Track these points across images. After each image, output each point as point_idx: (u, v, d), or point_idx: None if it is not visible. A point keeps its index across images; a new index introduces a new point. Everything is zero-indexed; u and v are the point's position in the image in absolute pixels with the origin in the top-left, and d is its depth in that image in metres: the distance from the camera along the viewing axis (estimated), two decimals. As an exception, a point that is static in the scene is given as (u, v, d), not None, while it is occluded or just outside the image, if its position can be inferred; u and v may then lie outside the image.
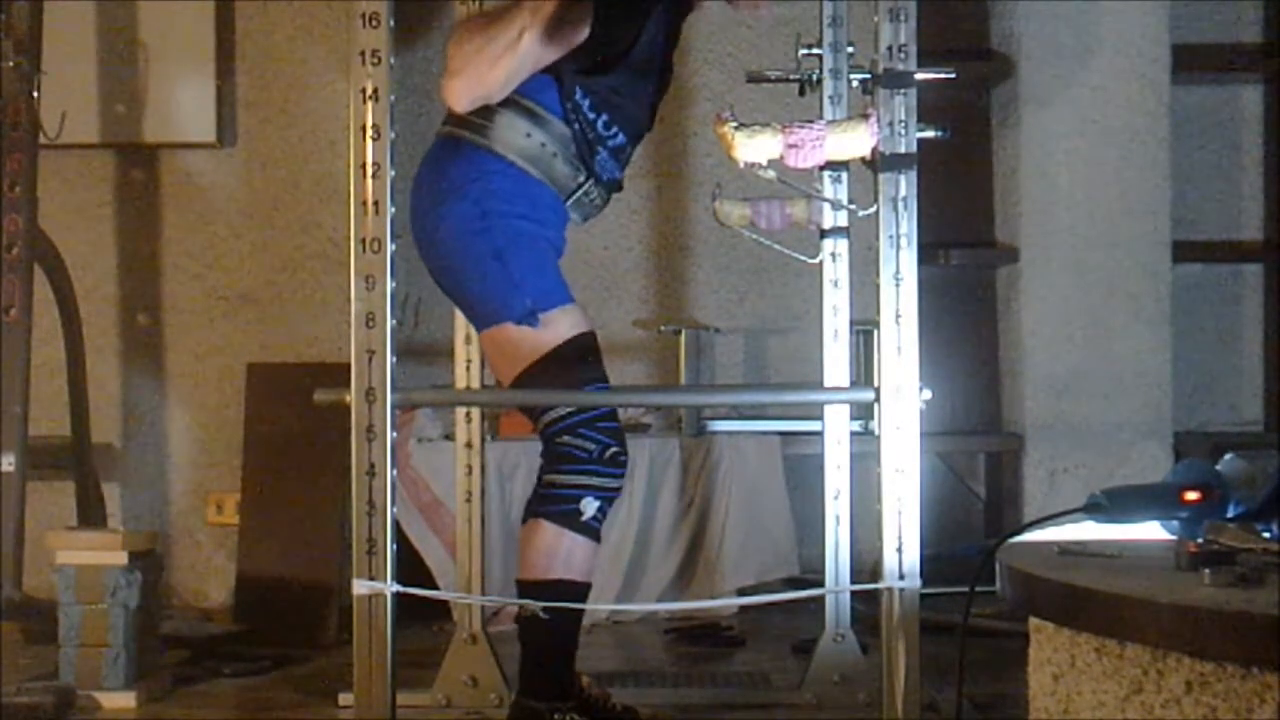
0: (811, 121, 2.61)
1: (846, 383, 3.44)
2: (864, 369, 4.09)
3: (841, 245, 3.39)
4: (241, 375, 4.70)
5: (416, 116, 4.69)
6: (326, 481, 4.24)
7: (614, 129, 3.00)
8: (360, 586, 2.42)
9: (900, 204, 2.43)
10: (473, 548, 3.43)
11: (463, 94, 2.85)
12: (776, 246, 3.45)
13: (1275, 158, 5.16)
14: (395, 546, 2.43)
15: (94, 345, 4.64)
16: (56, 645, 3.37)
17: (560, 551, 2.89)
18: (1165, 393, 4.74)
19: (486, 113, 2.91)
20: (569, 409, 2.87)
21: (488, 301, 2.93)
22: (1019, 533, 2.35)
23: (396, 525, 2.44)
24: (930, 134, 2.48)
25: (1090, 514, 2.20)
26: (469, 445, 3.44)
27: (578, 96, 2.94)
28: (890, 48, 2.44)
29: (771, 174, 2.74)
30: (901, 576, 2.42)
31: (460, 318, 3.31)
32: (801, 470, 4.55)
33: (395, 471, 2.44)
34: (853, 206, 3.04)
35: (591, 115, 2.96)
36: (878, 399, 2.44)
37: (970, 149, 4.91)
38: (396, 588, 2.42)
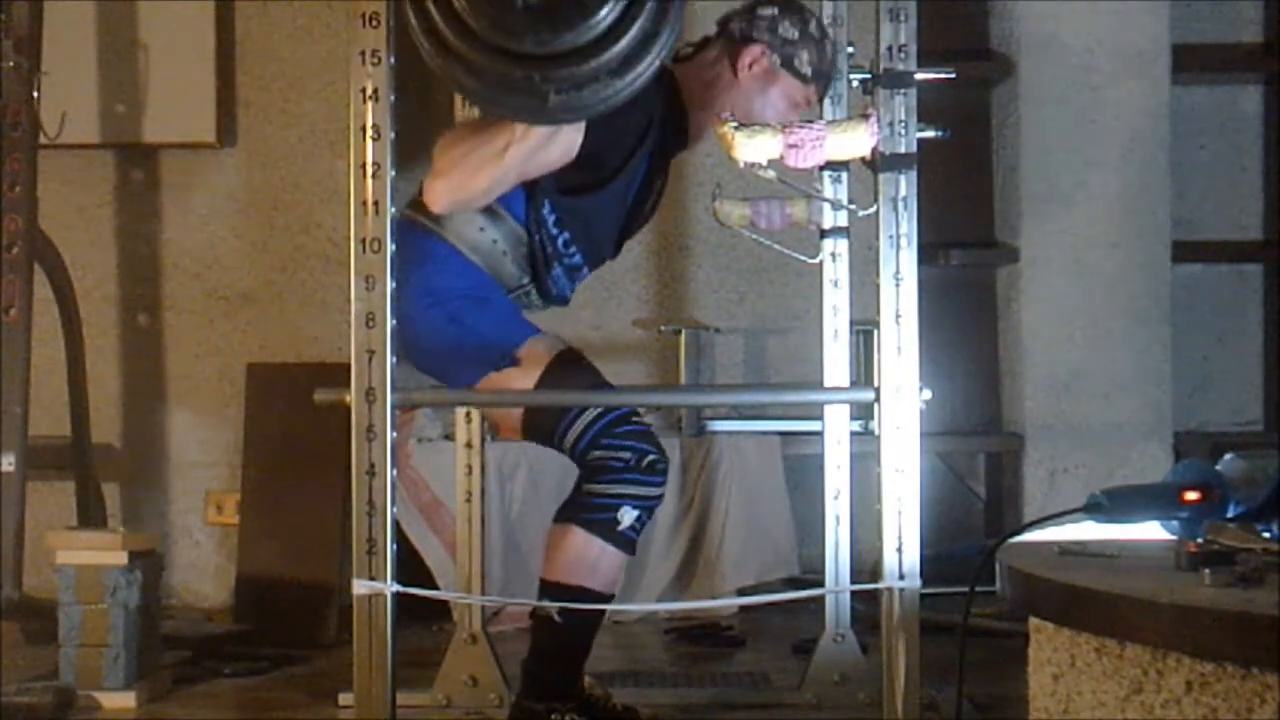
0: (811, 121, 2.61)
1: (846, 383, 3.44)
2: (864, 369, 4.09)
3: (841, 245, 3.39)
4: (241, 375, 4.70)
5: (416, 117, 4.68)
6: (326, 481, 4.24)
7: (574, 249, 3.00)
8: (360, 586, 2.42)
9: (900, 204, 2.43)
10: (473, 548, 3.43)
11: (443, 197, 2.84)
12: (776, 246, 3.45)
13: (1275, 158, 5.16)
14: (395, 546, 2.43)
15: (94, 345, 4.64)
16: (56, 645, 3.37)
17: (588, 559, 2.87)
18: (1165, 393, 4.74)
19: None
20: (585, 423, 2.86)
21: (461, 363, 2.93)
22: (1019, 533, 2.35)
23: (396, 525, 2.44)
24: (930, 134, 2.48)
25: (1090, 514, 2.20)
26: (469, 445, 3.44)
27: (545, 210, 2.94)
28: (890, 48, 2.44)
29: (771, 174, 2.74)
30: (901, 576, 2.42)
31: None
32: (801, 470, 4.55)
33: (395, 471, 2.44)
34: (853, 206, 3.04)
35: (554, 231, 2.96)
36: (878, 399, 2.44)
37: (970, 149, 4.91)
38: (396, 588, 2.42)
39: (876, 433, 2.45)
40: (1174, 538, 2.21)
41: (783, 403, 4.56)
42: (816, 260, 3.41)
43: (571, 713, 2.94)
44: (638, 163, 3.00)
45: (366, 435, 2.42)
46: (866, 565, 3.55)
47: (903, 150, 2.44)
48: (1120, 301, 4.73)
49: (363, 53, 2.42)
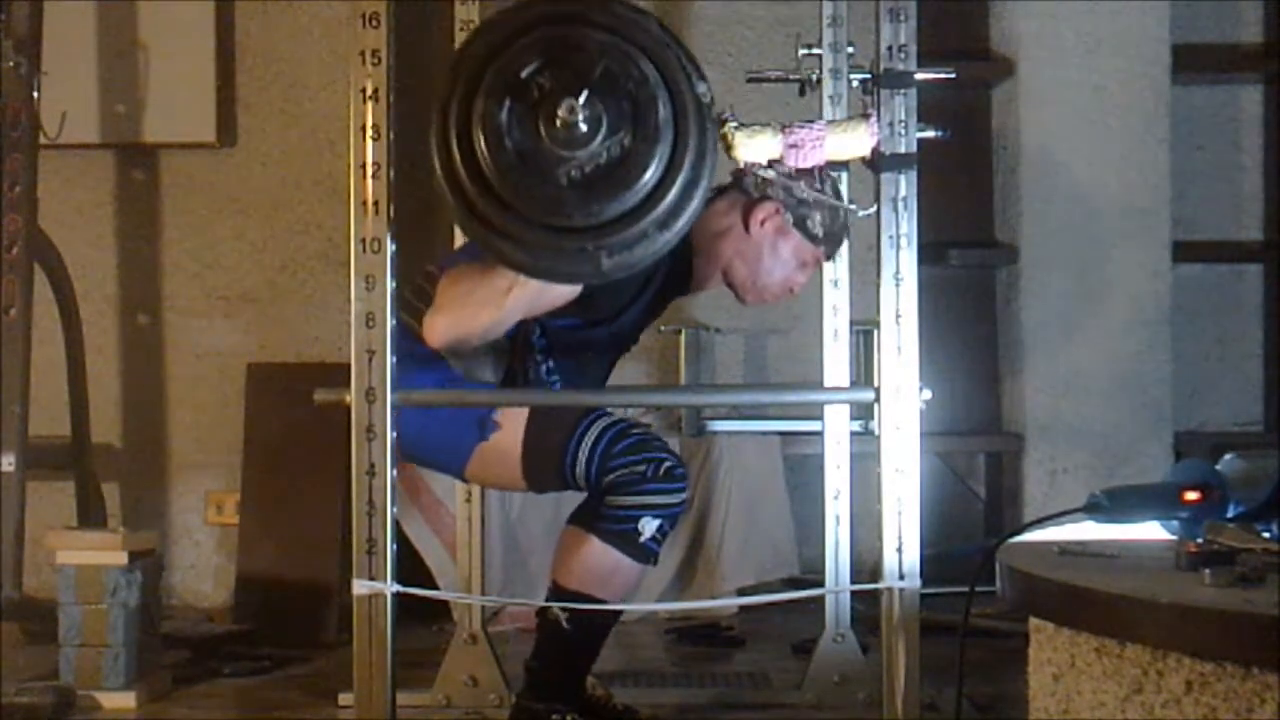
0: (811, 121, 2.61)
1: (846, 383, 3.44)
2: (864, 369, 4.09)
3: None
4: (241, 375, 4.70)
5: (417, 117, 4.68)
6: (326, 481, 4.24)
7: (554, 378, 2.97)
8: (360, 586, 2.41)
9: (900, 204, 2.43)
10: (473, 548, 3.43)
11: (442, 333, 2.79)
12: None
13: (1275, 158, 5.15)
14: (395, 546, 2.43)
15: (94, 345, 4.64)
16: (56, 645, 3.37)
17: (602, 570, 2.85)
18: (1165, 393, 4.74)
19: (429, 300, 2.87)
20: (586, 451, 2.83)
21: (449, 447, 2.92)
22: (1019, 533, 2.35)
23: (396, 525, 2.44)
24: (930, 134, 2.48)
25: (1090, 514, 2.20)
26: (469, 445, 3.43)
27: (534, 336, 2.92)
28: (890, 48, 2.44)
29: (771, 174, 2.74)
30: (901, 576, 2.42)
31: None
32: (801, 470, 4.55)
33: (395, 471, 2.44)
34: (853, 206, 3.04)
35: (540, 357, 2.93)
36: (878, 399, 2.44)
37: (970, 149, 4.91)
38: (396, 588, 2.42)
39: (876, 433, 2.45)
40: (1174, 538, 2.21)
41: (783, 403, 4.55)
42: (816, 260, 3.41)
43: (573, 714, 2.94)
44: (640, 306, 2.99)
45: (366, 435, 2.42)
46: (866, 565, 3.55)
47: (903, 150, 2.43)
48: (1120, 301, 4.73)
49: (363, 53, 2.42)
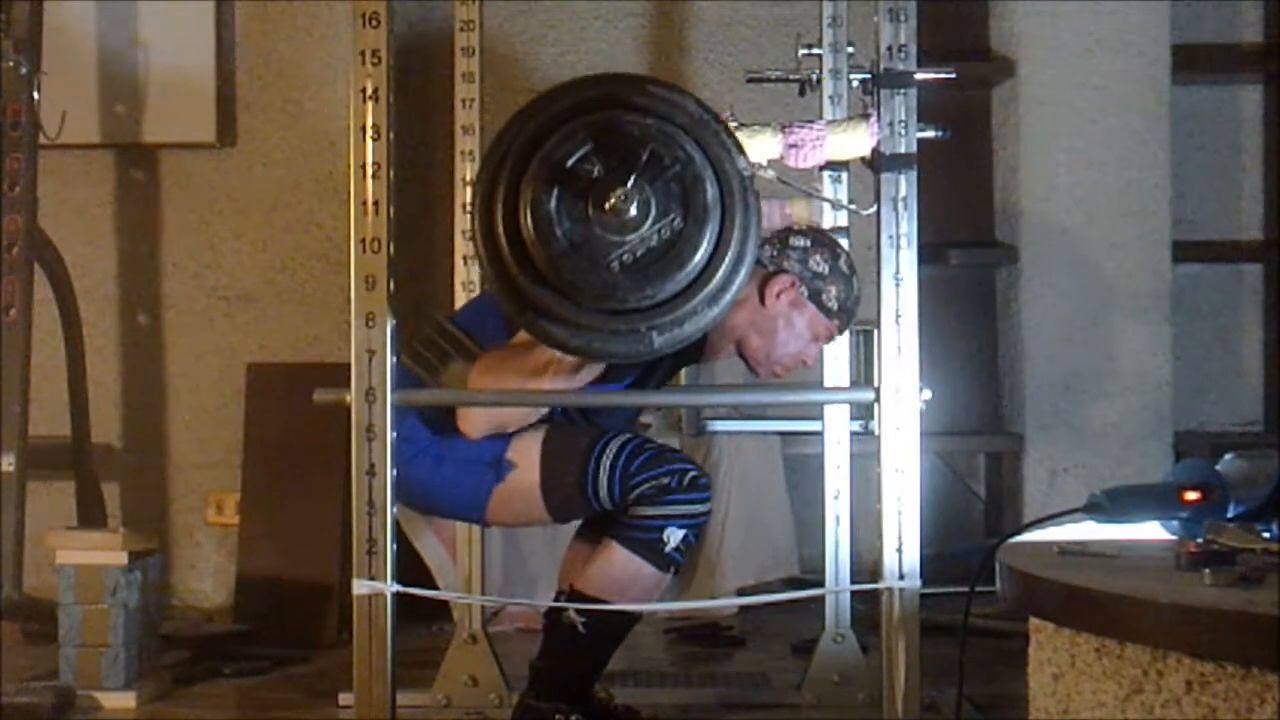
0: (811, 121, 2.61)
1: (846, 383, 3.44)
2: (864, 369, 4.09)
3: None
4: (241, 375, 4.70)
5: (416, 117, 4.69)
6: (326, 481, 4.24)
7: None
8: (360, 586, 2.41)
9: (900, 204, 2.43)
10: (473, 548, 3.43)
11: (480, 425, 2.83)
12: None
13: (1275, 158, 5.15)
14: (395, 546, 2.43)
15: (94, 345, 4.64)
16: (56, 645, 3.38)
17: (624, 578, 2.85)
18: (1165, 393, 4.74)
19: (443, 355, 2.90)
20: (606, 473, 2.84)
21: (463, 495, 2.91)
22: (1019, 533, 2.35)
23: (396, 525, 2.44)
24: (930, 134, 2.48)
25: (1090, 514, 2.20)
26: (469, 445, 3.43)
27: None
28: (890, 48, 2.44)
29: (771, 174, 2.74)
30: (901, 576, 2.42)
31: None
32: (801, 470, 4.54)
33: (395, 471, 2.44)
34: (853, 206, 3.04)
35: (557, 414, 2.94)
36: (878, 399, 2.44)
37: (970, 149, 4.91)
38: (396, 588, 2.42)
39: (876, 433, 2.45)
40: (1174, 538, 2.21)
41: (783, 403, 4.54)
42: (816, 260, 3.41)
43: (576, 714, 2.93)
44: (657, 379, 3.01)
45: (366, 435, 2.42)
46: (866, 565, 3.54)
47: (903, 150, 2.43)
48: (1120, 301, 4.73)
49: (363, 53, 2.42)
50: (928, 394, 2.44)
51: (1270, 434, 5.05)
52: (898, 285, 2.43)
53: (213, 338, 4.91)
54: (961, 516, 4.96)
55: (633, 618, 2.92)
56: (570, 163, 2.29)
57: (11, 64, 4.09)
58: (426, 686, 3.35)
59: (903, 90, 2.43)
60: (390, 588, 2.41)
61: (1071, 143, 4.73)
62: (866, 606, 3.47)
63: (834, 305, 3.01)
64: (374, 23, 2.42)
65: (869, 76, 2.52)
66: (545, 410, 2.86)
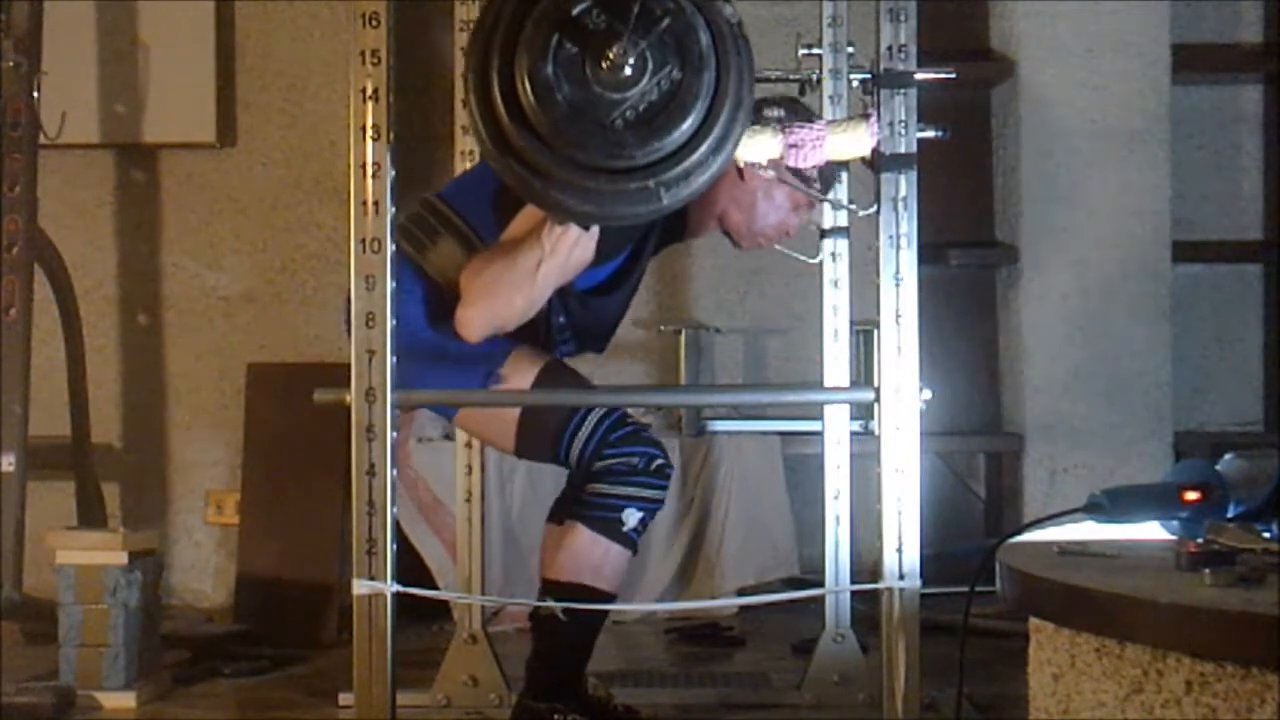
0: (811, 121, 2.61)
1: (846, 383, 3.44)
2: (864, 369, 4.09)
3: (841, 245, 3.39)
4: (241, 375, 4.70)
5: (416, 117, 4.69)
6: (326, 481, 4.24)
7: (567, 335, 2.98)
8: (360, 586, 2.41)
9: (900, 204, 2.43)
10: (473, 548, 3.43)
11: (479, 327, 2.81)
12: (776, 246, 3.44)
13: (1275, 158, 5.15)
14: (395, 546, 2.43)
15: (94, 345, 4.64)
16: (56, 645, 3.37)
17: (593, 558, 2.88)
18: (1165, 393, 4.74)
19: (431, 232, 2.90)
20: (586, 434, 2.86)
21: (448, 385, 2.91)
22: (1019, 533, 2.35)
23: (396, 525, 2.44)
24: (930, 134, 2.48)
25: (1090, 514, 2.20)
26: (469, 445, 3.44)
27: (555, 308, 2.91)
28: (890, 48, 2.44)
29: (771, 174, 2.74)
30: (901, 576, 2.42)
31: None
32: (801, 470, 4.54)
33: (395, 471, 2.44)
34: (853, 206, 3.04)
35: (552, 312, 2.92)
36: (878, 399, 2.44)
37: (970, 149, 4.91)
38: (396, 588, 2.42)
39: (876, 433, 2.45)
40: (1174, 538, 2.21)
41: (783, 403, 4.56)
42: (816, 260, 3.41)
43: (574, 714, 2.94)
44: (646, 256, 3.00)
45: (366, 435, 2.42)
46: (866, 565, 3.54)
47: (903, 150, 2.43)
48: (1120, 301, 4.73)
49: (363, 53, 2.42)
50: (928, 394, 2.44)
51: (1270, 434, 5.05)
52: (898, 285, 2.42)
53: (213, 338, 4.91)
54: (961, 516, 4.96)
55: (610, 598, 2.93)
56: (575, 13, 2.27)
57: (11, 64, 4.09)
58: (426, 686, 3.35)
59: (903, 90, 2.43)
60: (390, 588, 2.41)
61: (1071, 143, 4.73)
62: (866, 606, 3.47)
63: (812, 173, 3.00)
64: (374, 23, 2.42)
65: (869, 76, 2.52)
66: (540, 306, 2.83)
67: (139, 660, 3.39)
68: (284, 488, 4.38)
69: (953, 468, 4.97)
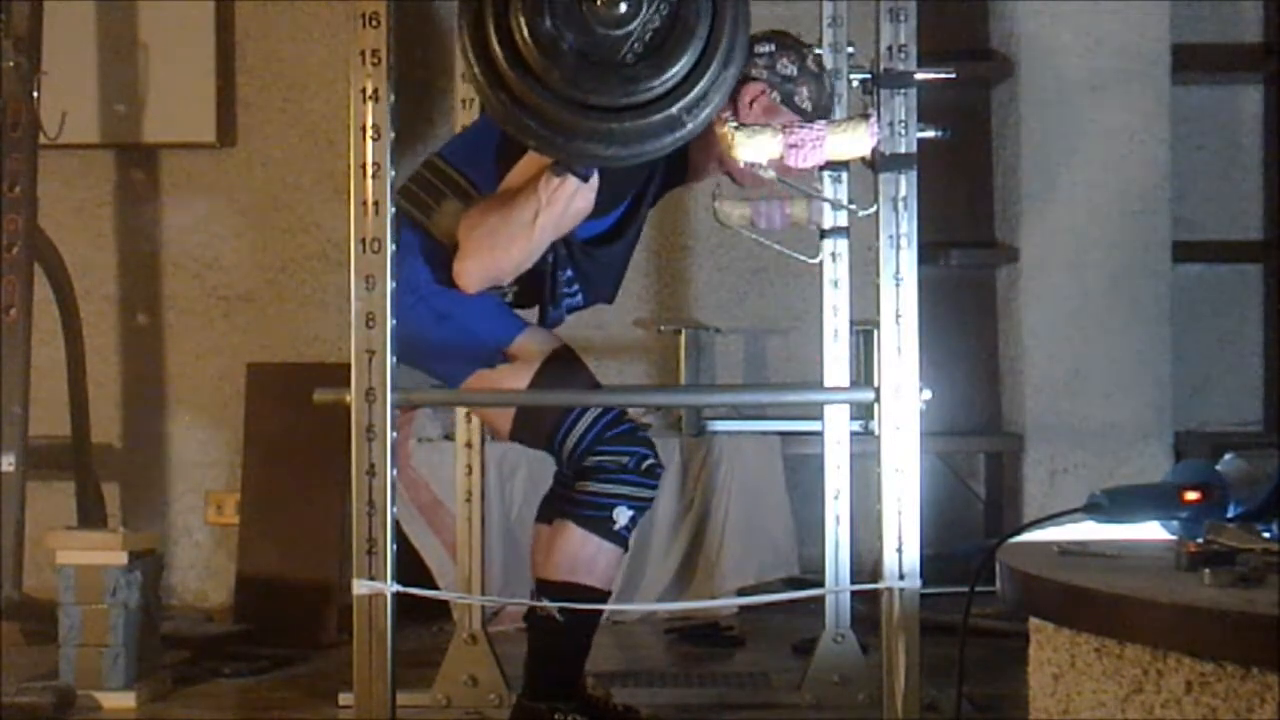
0: (812, 121, 2.61)
1: (846, 383, 3.44)
2: (864, 369, 4.09)
3: (841, 245, 3.39)
4: (241, 375, 4.70)
5: (416, 116, 4.69)
6: (326, 481, 4.24)
7: (575, 288, 2.96)
8: (360, 586, 2.42)
9: (900, 204, 2.43)
10: (473, 548, 3.43)
11: (477, 279, 2.79)
12: (776, 246, 3.45)
13: (1275, 158, 5.15)
14: (395, 546, 2.43)
15: (94, 345, 4.64)
16: (56, 645, 3.37)
17: (585, 556, 2.88)
18: (1165, 393, 4.74)
19: (435, 193, 2.88)
20: (584, 428, 2.86)
21: (451, 360, 2.91)
22: (1019, 533, 2.35)
23: (396, 525, 2.44)
24: (930, 134, 2.48)
25: (1090, 514, 2.20)
26: (469, 445, 3.44)
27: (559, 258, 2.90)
28: (890, 48, 2.44)
29: (771, 174, 2.74)
30: (901, 576, 2.42)
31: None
32: (801, 470, 4.54)
33: (395, 471, 2.44)
34: (853, 206, 3.04)
35: (557, 266, 2.91)
36: (878, 399, 2.44)
37: (970, 149, 4.91)
38: (396, 588, 2.42)
39: (876, 433, 2.45)
40: (1174, 538, 2.21)
41: (783, 403, 4.55)
42: (816, 260, 3.41)
43: (574, 713, 2.94)
44: (649, 201, 2.99)
45: (366, 435, 2.42)
46: (866, 565, 3.55)
47: (903, 150, 2.44)
48: (1120, 301, 4.73)
49: (363, 53, 2.42)
50: (928, 394, 2.44)
51: (1270, 434, 5.05)
52: (898, 285, 2.43)
53: (213, 338, 4.91)
54: (961, 516, 4.96)
55: (604, 596, 2.93)
56: None
57: (11, 64, 4.08)
58: (426, 686, 3.35)
59: (903, 90, 2.44)
60: (390, 588, 2.42)
61: (1071, 143, 4.73)
62: (866, 606, 3.48)
63: (808, 106, 2.95)
64: (374, 23, 2.42)
65: (869, 76, 2.52)
66: (537, 257, 2.81)
67: (139, 660, 3.39)
68: (284, 488, 4.38)
69: (953, 468, 4.97)
